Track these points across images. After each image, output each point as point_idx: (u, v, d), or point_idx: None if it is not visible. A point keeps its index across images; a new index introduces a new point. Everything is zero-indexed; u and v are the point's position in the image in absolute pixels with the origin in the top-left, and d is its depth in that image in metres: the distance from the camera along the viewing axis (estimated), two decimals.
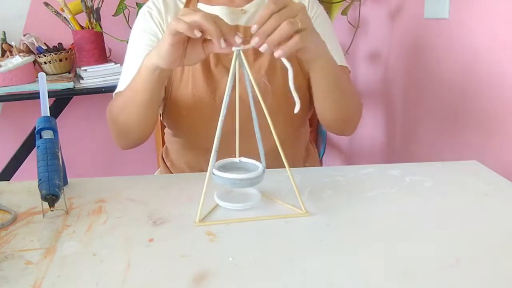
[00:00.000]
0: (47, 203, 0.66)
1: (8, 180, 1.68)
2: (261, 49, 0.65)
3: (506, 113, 1.00)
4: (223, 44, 0.65)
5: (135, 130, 0.87)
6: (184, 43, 0.69)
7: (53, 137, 0.72)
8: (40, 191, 0.66)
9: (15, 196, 0.76)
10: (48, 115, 0.74)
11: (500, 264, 0.54)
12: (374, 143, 1.71)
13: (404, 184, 0.77)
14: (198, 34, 0.65)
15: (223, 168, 0.70)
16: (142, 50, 0.92)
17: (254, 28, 0.65)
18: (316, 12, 0.98)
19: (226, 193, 0.73)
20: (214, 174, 0.68)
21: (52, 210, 0.67)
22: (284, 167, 0.67)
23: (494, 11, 1.02)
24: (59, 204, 0.68)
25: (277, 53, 0.65)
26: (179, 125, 0.97)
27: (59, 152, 0.72)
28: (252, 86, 0.66)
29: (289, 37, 0.65)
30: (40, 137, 0.72)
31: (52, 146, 0.71)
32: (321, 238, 0.61)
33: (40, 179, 0.67)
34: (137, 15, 0.98)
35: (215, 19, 0.65)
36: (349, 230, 0.63)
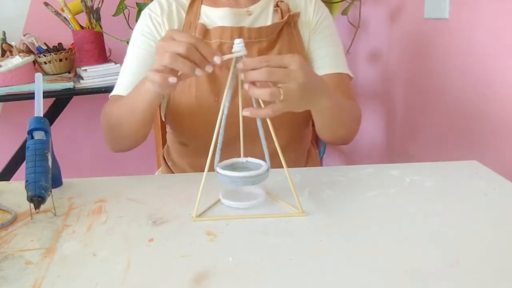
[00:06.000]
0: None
1: (8, 180, 1.68)
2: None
3: (506, 112, 1.00)
4: (199, 73, 0.64)
5: (132, 140, 0.90)
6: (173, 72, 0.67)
7: (44, 138, 0.71)
8: (27, 192, 0.65)
9: (15, 196, 0.76)
10: (42, 115, 0.73)
11: (500, 264, 0.54)
12: (374, 143, 1.71)
13: (404, 184, 0.77)
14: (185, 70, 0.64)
15: (230, 168, 0.71)
16: (138, 53, 0.93)
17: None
18: (321, 16, 0.97)
19: (232, 191, 0.73)
20: (217, 172, 0.68)
21: (37, 212, 0.67)
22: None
23: (494, 11, 1.02)
24: (48, 206, 0.67)
25: (264, 112, 0.65)
26: (182, 127, 0.96)
27: (49, 153, 0.71)
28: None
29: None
30: (32, 137, 0.71)
31: (41, 147, 0.70)
32: (321, 238, 0.61)
33: (27, 181, 0.66)
34: (137, 15, 0.98)
35: (196, 45, 0.64)
36: (349, 230, 0.63)
